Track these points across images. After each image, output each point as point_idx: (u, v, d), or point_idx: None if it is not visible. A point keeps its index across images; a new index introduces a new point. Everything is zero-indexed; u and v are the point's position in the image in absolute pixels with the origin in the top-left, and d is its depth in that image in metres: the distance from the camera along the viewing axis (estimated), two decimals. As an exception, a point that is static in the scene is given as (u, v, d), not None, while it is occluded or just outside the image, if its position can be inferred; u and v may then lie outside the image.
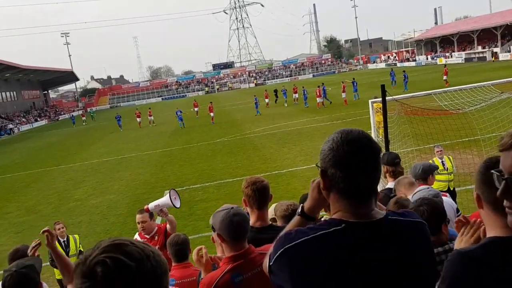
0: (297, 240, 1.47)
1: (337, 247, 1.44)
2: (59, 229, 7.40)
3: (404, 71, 39.08)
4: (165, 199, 5.05)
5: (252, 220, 3.20)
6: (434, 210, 2.84)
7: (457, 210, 4.47)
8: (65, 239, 7.49)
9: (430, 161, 8.78)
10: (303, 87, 38.46)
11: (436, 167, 5.53)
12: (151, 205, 5.13)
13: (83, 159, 24.69)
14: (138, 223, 5.50)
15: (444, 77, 35.88)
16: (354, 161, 1.47)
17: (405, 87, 35.91)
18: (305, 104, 35.49)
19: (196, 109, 39.46)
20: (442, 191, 8.02)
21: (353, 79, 37.68)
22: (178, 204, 5.11)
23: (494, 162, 1.70)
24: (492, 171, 1.31)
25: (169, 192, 5.07)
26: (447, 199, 4.34)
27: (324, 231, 1.47)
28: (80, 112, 71.83)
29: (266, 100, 40.33)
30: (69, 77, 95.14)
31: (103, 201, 14.67)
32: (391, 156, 6.17)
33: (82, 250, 7.73)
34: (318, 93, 33.77)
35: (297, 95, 38.99)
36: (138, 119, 38.65)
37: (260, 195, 3.16)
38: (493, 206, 1.63)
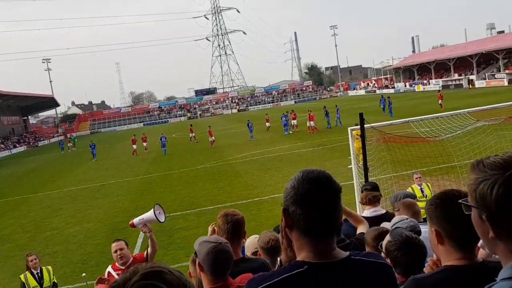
0: (259, 286, 1.46)
1: None
2: (31, 260, 7.19)
3: (388, 97, 39.85)
4: (149, 214, 4.97)
5: None
6: (416, 251, 2.82)
7: None
8: (38, 271, 7.26)
9: (409, 188, 8.90)
10: (287, 112, 37.87)
11: (414, 196, 5.54)
12: (136, 220, 5.04)
13: (61, 186, 24.25)
14: (115, 251, 5.35)
15: (439, 101, 37.06)
16: (313, 199, 1.49)
17: (390, 113, 36.75)
18: (285, 131, 35.45)
19: (192, 134, 38.55)
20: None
21: (336, 105, 38.13)
22: (162, 219, 5.04)
23: (451, 196, 1.82)
24: (460, 201, 1.35)
25: (153, 207, 4.99)
26: (425, 230, 4.31)
27: (287, 275, 1.46)
28: (67, 137, 70.60)
29: (267, 124, 39.08)
30: (50, 102, 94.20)
31: (80, 230, 14.34)
32: (371, 185, 6.18)
33: (56, 282, 7.50)
34: (310, 117, 33.81)
35: (295, 122, 37.18)
36: (134, 146, 35.85)
37: (232, 228, 3.15)
38: (454, 240, 1.72)
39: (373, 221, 4.40)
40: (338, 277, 1.47)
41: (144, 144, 36.49)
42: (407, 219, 3.66)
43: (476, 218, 1.25)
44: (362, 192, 6.03)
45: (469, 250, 1.85)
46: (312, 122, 33.84)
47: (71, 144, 52.05)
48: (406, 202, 4.28)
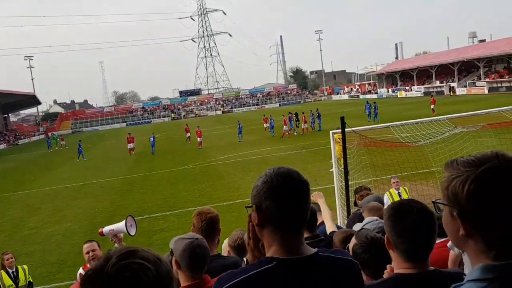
0: (229, 283, 1.48)
1: (268, 285, 1.46)
2: (7, 259, 7.08)
3: (374, 102, 40.16)
4: (120, 225, 4.91)
5: None
6: (383, 252, 2.87)
7: None
8: (13, 269, 7.15)
9: (387, 193, 9.01)
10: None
11: (382, 201, 5.54)
12: (106, 229, 4.97)
13: (41, 185, 23.88)
14: (87, 252, 5.28)
15: (432, 106, 37.73)
16: (287, 193, 1.52)
17: (375, 117, 37.30)
18: (272, 133, 35.56)
19: (188, 134, 37.53)
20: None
21: (317, 109, 38.32)
22: (133, 232, 4.97)
23: (405, 210, 1.89)
24: (433, 200, 1.38)
25: (126, 219, 4.94)
26: None
27: (256, 271, 1.48)
28: (49, 136, 68.81)
29: (265, 125, 38.30)
30: (31, 100, 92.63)
31: (59, 230, 14.15)
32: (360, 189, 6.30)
33: (31, 281, 7.39)
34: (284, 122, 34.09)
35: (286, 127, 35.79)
36: (129, 145, 34.32)
37: (205, 226, 3.19)
38: (402, 251, 1.79)
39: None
40: (306, 273, 1.50)
41: (130, 145, 34.40)
42: (376, 220, 3.70)
43: (447, 216, 1.24)
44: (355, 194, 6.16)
45: (417, 260, 1.93)
46: (305, 124, 34.70)
47: (64, 142, 50.45)
48: (370, 205, 4.33)
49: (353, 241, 2.70)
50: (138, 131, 52.12)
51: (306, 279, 1.49)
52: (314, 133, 33.64)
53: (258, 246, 1.61)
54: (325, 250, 1.62)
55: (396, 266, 1.93)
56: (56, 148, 49.46)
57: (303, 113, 36.00)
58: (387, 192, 9.12)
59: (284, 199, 1.52)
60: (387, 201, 8.98)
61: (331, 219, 4.53)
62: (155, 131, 43.04)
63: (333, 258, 1.58)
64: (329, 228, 4.24)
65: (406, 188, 9.48)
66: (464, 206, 1.17)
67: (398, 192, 8.90)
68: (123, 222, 4.86)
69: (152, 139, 33.28)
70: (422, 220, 1.94)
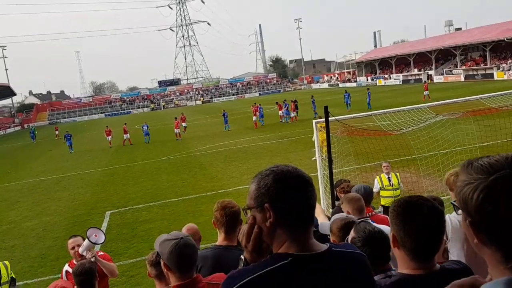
0: (243, 280, 1.45)
1: (285, 281, 1.44)
2: (-12, 255, 6.90)
3: (368, 89, 39.58)
4: (85, 242, 4.92)
5: (219, 240, 3.31)
6: (380, 244, 2.88)
7: None
8: (-6, 266, 6.97)
9: (377, 177, 9.12)
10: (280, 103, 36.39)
11: (370, 190, 5.52)
12: (81, 250, 4.97)
13: (18, 179, 23.39)
14: (73, 248, 5.18)
15: (425, 92, 37.69)
16: (297, 189, 1.53)
17: (368, 105, 36.22)
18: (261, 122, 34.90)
19: (184, 124, 35.90)
20: (388, 206, 8.32)
21: (312, 96, 38.45)
22: (101, 240, 4.99)
23: (415, 207, 1.87)
24: (451, 202, 1.35)
25: (86, 233, 4.92)
26: (386, 228, 4.24)
27: (271, 267, 1.46)
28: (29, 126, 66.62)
29: (254, 118, 34.87)
30: (6, 91, 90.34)
31: (39, 223, 13.90)
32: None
33: (14, 277, 7.23)
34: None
35: (281, 112, 35.79)
36: (125, 136, 32.96)
37: (229, 220, 3.21)
38: (410, 251, 1.77)
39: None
40: (322, 269, 1.50)
41: (109, 138, 33.26)
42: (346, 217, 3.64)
43: (463, 220, 1.20)
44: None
45: (425, 260, 1.89)
46: (294, 113, 34.40)
47: (58, 132, 47.66)
48: (349, 196, 4.25)
49: (352, 234, 2.70)
50: (118, 122, 51.34)
51: (321, 274, 1.49)
52: (296, 123, 33.59)
53: (260, 247, 1.58)
54: (336, 245, 1.64)
55: (402, 265, 1.89)
56: (56, 138, 46.01)
57: (292, 101, 35.57)
58: (377, 177, 9.22)
59: (299, 196, 1.53)
60: (376, 185, 9.10)
61: (322, 213, 4.52)
62: (135, 122, 42.50)
63: (346, 252, 1.60)
64: (322, 221, 4.21)
65: (397, 173, 9.57)
66: (474, 216, 1.13)
67: (388, 177, 9.00)
68: (86, 239, 4.90)
69: (145, 128, 32.48)
70: (432, 219, 1.90)
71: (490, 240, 1.12)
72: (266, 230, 1.55)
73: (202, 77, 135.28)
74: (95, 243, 4.90)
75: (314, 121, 9.78)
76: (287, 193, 1.52)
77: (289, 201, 1.51)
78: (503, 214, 1.07)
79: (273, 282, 1.43)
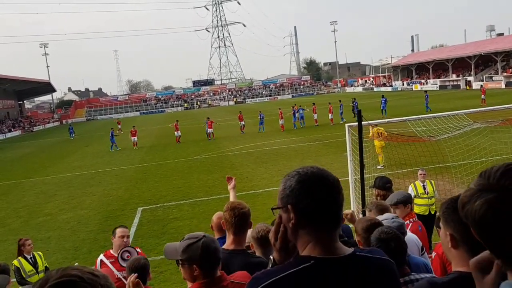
0: (267, 281, 1.47)
1: (308, 284, 1.45)
2: (29, 244, 7.20)
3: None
4: (121, 262, 4.95)
5: (227, 243, 3.24)
6: (399, 244, 2.85)
7: (422, 248, 4.24)
8: (31, 255, 7.26)
9: (412, 184, 8.95)
10: (299, 106, 36.72)
11: (409, 196, 5.50)
12: (121, 262, 4.97)
13: (55, 172, 24.18)
14: (122, 236, 5.25)
15: (482, 96, 37.57)
16: (324, 191, 1.53)
17: (384, 113, 35.29)
18: (294, 126, 34.38)
19: (242, 122, 34.62)
20: (422, 215, 8.15)
21: (354, 99, 38.11)
22: (135, 255, 4.91)
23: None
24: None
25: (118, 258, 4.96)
26: (411, 236, 4.16)
27: (294, 269, 1.47)
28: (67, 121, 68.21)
29: (281, 122, 34.26)
30: (46, 88, 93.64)
31: (74, 217, 14.33)
32: (383, 181, 6.19)
33: (47, 266, 7.50)
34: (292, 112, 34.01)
35: (316, 116, 34.74)
36: (176, 133, 32.52)
37: (238, 221, 3.17)
38: (470, 246, 1.72)
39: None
40: (344, 273, 1.49)
41: (134, 139, 32.10)
42: (392, 218, 3.65)
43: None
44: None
45: None
46: (315, 115, 34.19)
47: (120, 126, 45.21)
48: (380, 205, 4.29)
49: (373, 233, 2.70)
50: (153, 120, 52.22)
51: (344, 279, 1.48)
52: (336, 125, 33.01)
53: (287, 247, 1.60)
54: (361, 249, 1.62)
55: (459, 263, 1.81)
56: (118, 132, 41.06)
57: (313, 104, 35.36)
58: (412, 184, 9.03)
59: (322, 198, 1.52)
60: (411, 192, 8.92)
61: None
62: (168, 120, 42.91)
63: (371, 258, 1.58)
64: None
65: (432, 181, 9.35)
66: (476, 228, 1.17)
67: (423, 185, 8.80)
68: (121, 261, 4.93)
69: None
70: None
71: (498, 251, 1.15)
72: (290, 231, 1.56)
73: (235, 78, 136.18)
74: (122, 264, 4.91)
75: (346, 125, 9.69)
76: (309, 195, 1.52)
77: (311, 203, 1.51)
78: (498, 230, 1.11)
79: (295, 285, 1.45)
